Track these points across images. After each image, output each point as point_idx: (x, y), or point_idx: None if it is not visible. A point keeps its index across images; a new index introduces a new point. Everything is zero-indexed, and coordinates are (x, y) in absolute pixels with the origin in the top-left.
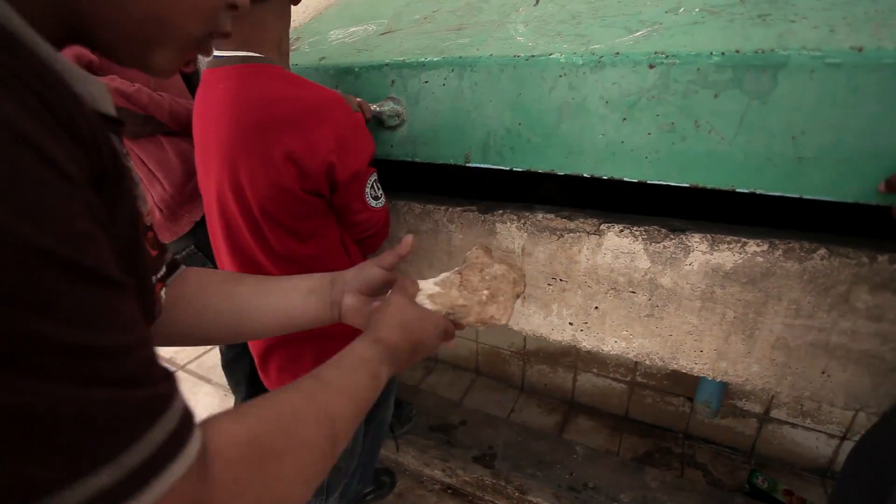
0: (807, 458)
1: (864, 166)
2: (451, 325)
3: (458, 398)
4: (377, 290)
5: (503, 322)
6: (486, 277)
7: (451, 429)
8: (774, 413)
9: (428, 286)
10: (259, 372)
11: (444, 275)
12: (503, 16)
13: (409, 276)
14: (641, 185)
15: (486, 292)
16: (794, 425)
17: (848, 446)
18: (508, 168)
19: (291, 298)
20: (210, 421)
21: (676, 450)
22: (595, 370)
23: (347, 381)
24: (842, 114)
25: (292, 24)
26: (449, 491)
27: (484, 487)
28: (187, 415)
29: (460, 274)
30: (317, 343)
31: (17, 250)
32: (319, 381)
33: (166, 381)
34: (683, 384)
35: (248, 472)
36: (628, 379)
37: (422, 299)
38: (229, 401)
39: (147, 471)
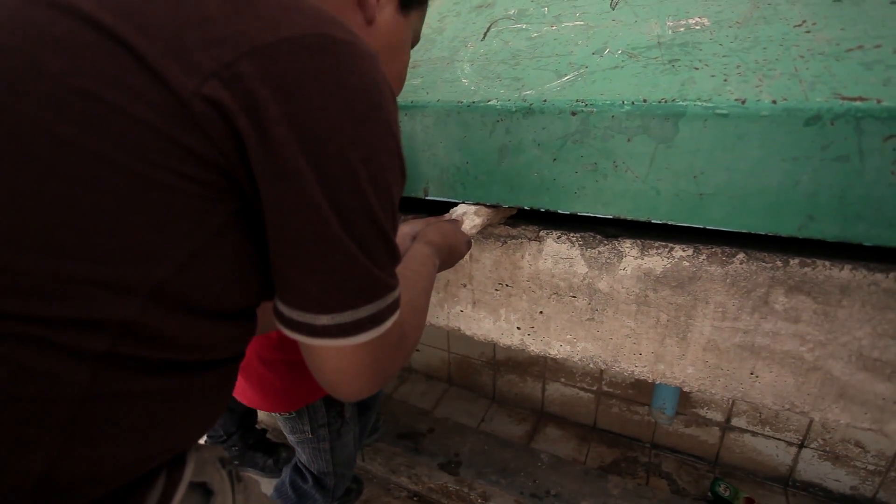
0: (768, 466)
1: (753, 202)
2: (471, 239)
3: (429, 407)
4: None
5: (514, 212)
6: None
7: (418, 437)
8: (735, 421)
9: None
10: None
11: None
12: (453, 51)
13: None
14: None
15: (504, 207)
16: (754, 433)
17: (806, 454)
18: (461, 201)
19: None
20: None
21: (643, 459)
22: (563, 379)
23: (426, 270)
24: (731, 157)
25: None
26: (415, 498)
27: (448, 494)
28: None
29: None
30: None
31: (398, 154)
32: (415, 272)
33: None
34: (647, 393)
35: (409, 322)
36: (595, 388)
37: (467, 211)
38: None
39: (394, 305)
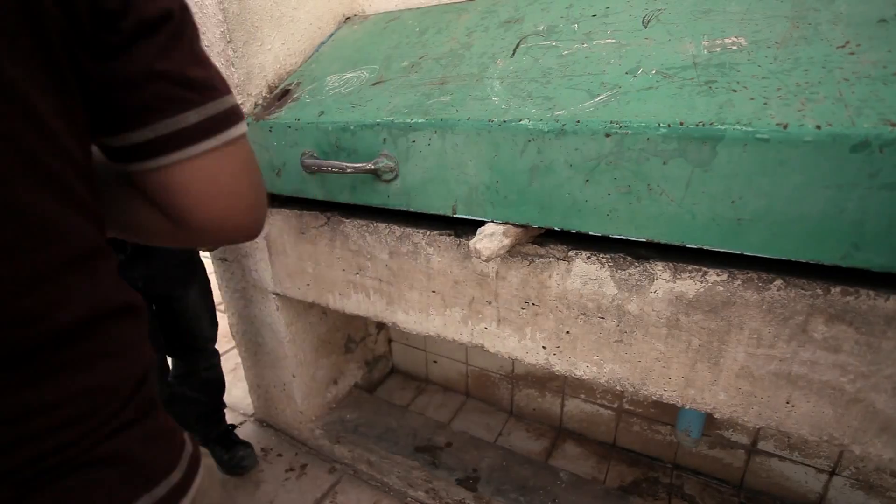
0: (797, 493)
1: (793, 229)
2: None
3: (446, 420)
4: None
5: (542, 231)
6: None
7: (436, 450)
8: (762, 445)
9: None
10: None
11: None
12: (482, 68)
13: None
14: None
15: (533, 227)
16: (782, 458)
17: (838, 482)
18: (490, 220)
19: None
20: None
21: (664, 480)
22: (583, 396)
23: None
24: (772, 183)
25: (293, 66)
26: None
27: None
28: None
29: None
30: None
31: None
32: None
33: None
34: (670, 412)
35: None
36: (615, 405)
37: (496, 231)
38: None
39: (238, 109)
